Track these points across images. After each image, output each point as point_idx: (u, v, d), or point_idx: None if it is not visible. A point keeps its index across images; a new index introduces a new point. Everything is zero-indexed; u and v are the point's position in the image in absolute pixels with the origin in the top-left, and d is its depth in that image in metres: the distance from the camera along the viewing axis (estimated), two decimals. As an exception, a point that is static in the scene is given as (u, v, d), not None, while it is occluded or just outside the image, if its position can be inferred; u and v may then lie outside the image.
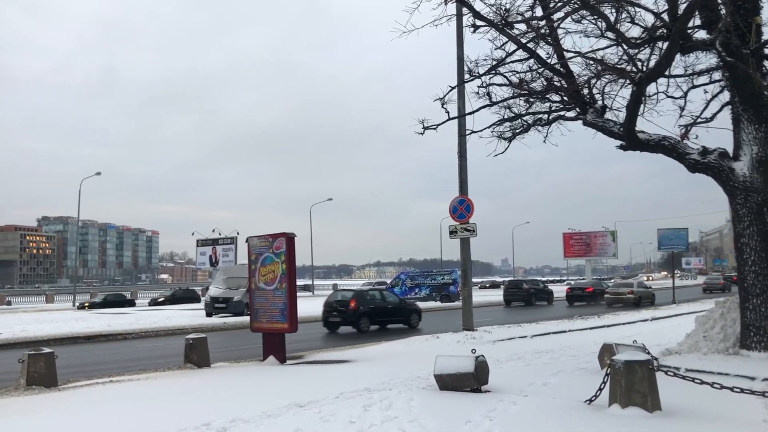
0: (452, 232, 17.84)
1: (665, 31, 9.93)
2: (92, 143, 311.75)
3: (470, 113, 13.46)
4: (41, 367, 10.81)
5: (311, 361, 13.70)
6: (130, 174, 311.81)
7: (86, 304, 46.00)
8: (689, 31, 10.20)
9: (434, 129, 12.99)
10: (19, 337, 20.61)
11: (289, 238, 13.55)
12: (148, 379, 11.49)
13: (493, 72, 12.47)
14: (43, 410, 8.60)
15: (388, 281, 54.25)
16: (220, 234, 52.10)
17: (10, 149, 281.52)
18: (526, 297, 40.89)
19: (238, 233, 51.08)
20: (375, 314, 23.27)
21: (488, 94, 12.70)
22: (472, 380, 8.54)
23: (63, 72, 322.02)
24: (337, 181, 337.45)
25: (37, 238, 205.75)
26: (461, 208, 17.70)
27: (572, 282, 66.79)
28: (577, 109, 12.03)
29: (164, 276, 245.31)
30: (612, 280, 64.42)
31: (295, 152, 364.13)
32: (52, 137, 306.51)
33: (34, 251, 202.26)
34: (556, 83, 12.30)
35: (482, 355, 8.82)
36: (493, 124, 13.17)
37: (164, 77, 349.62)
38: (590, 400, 7.32)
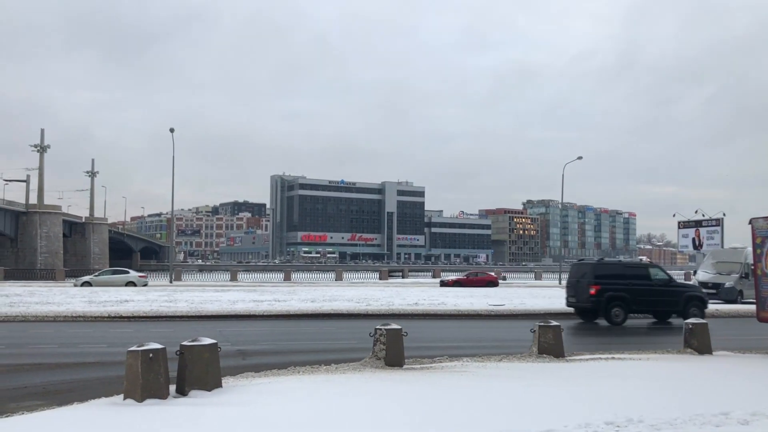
0: None
1: None
2: (597, 128, 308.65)
3: None
4: (550, 338, 11.99)
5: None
6: (623, 156, 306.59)
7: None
8: None
9: None
10: (518, 309, 23.60)
11: (804, 220, 12.07)
12: (648, 359, 11.63)
13: None
14: (558, 378, 9.53)
15: None
16: (703, 215, 49.24)
17: (523, 139, 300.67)
18: None
19: (724, 214, 47.60)
20: None
21: None
22: None
23: (580, 62, 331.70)
24: None
25: (523, 220, 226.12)
26: None
27: None
28: None
29: (642, 258, 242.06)
30: None
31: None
32: (563, 125, 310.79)
33: (521, 232, 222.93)
34: None
35: None
36: None
37: (680, 53, 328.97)
38: None
